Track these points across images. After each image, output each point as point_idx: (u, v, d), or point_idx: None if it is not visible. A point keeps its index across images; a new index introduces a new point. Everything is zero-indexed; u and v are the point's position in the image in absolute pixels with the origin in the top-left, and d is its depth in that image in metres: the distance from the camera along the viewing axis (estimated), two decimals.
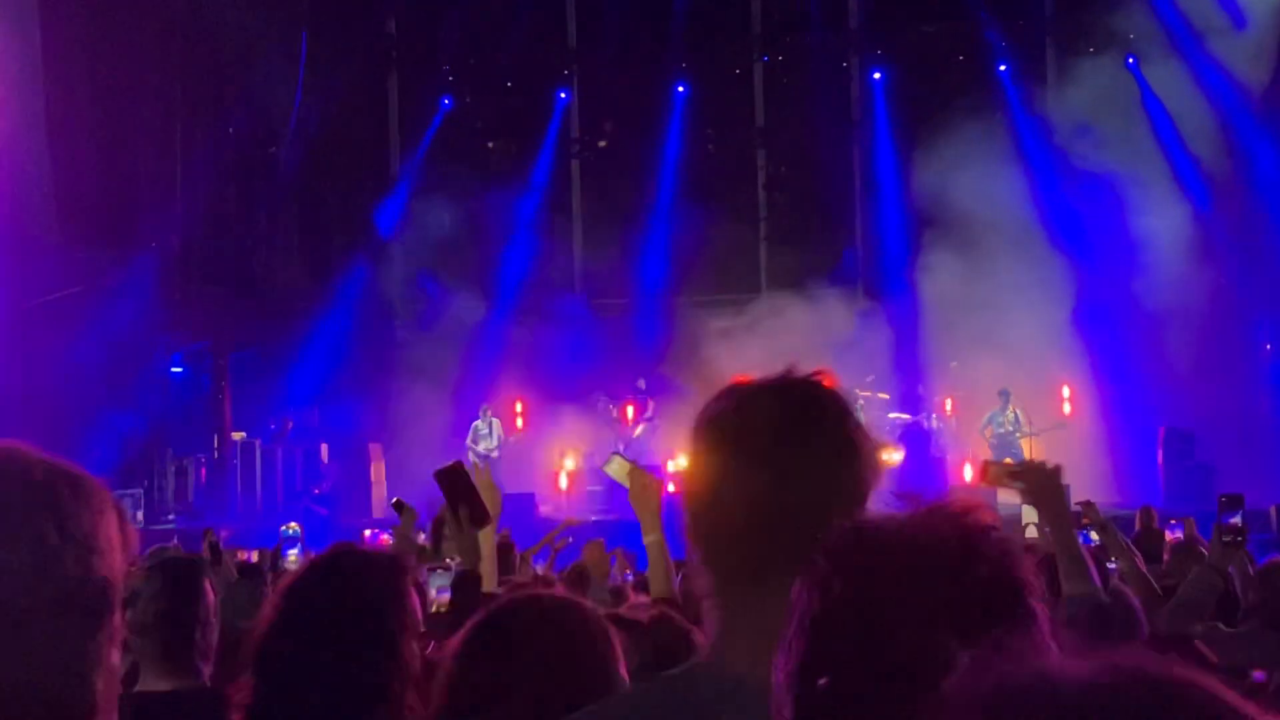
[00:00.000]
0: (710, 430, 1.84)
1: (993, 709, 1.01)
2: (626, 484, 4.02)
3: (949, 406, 20.75)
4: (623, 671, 2.17)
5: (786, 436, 1.76)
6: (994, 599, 1.28)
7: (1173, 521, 7.98)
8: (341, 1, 23.33)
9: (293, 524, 7.06)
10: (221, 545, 8.48)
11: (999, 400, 19.68)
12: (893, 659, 1.25)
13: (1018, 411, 19.64)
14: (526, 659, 2.12)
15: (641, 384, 21.24)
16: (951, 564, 1.29)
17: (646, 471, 4.18)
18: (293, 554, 6.66)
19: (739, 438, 1.79)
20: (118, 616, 1.40)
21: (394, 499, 5.49)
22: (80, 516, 1.40)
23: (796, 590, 1.34)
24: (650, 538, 3.96)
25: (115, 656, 1.41)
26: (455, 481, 3.83)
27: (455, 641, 2.21)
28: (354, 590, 2.56)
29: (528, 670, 2.11)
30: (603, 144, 24.23)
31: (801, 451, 1.75)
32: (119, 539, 1.44)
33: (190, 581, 3.66)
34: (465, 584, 3.61)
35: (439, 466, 3.92)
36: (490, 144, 24.04)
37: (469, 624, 2.23)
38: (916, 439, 20.32)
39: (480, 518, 3.79)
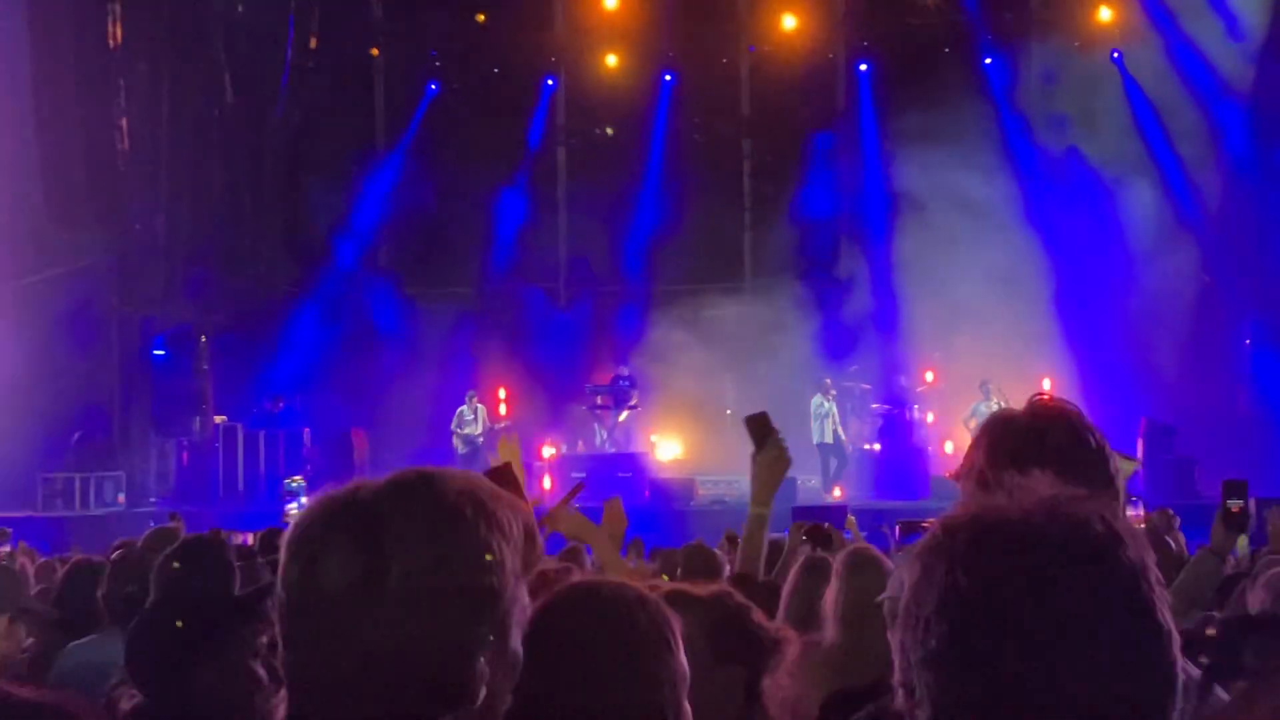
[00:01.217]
0: None
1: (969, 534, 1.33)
2: (760, 442, 3.98)
3: (930, 378, 20.82)
4: (682, 658, 2.12)
5: None
6: (1114, 587, 1.34)
7: (1133, 497, 7.81)
8: None
9: (298, 477, 7.06)
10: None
11: (980, 392, 19.76)
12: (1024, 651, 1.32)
13: (1000, 403, 19.70)
14: (589, 653, 2.08)
15: (624, 370, 21.27)
16: (1074, 555, 1.34)
17: (782, 441, 4.02)
18: (291, 508, 6.67)
19: None
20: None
21: None
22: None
23: (915, 570, 1.39)
24: (757, 509, 3.97)
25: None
26: (502, 483, 3.81)
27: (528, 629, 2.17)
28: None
29: (590, 666, 2.07)
30: (609, 131, 24.14)
31: None
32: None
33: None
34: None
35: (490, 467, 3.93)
36: (476, 130, 23.97)
37: (537, 608, 2.19)
38: (898, 429, 20.39)
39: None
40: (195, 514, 15.04)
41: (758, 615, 2.51)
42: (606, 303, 23.25)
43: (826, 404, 19.99)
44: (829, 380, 20.06)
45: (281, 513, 7.07)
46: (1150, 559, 1.37)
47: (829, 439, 19.87)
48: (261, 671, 2.90)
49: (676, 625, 2.14)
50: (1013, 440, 2.31)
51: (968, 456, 2.38)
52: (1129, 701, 1.31)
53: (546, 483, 19.26)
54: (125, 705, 2.83)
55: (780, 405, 19.61)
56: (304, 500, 6.62)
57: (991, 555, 1.35)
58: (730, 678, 2.42)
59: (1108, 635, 1.32)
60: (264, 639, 2.92)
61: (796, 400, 20.39)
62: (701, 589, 2.46)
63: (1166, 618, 1.36)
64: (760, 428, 3.97)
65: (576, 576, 2.38)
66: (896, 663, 1.41)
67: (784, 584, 6.02)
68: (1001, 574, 1.34)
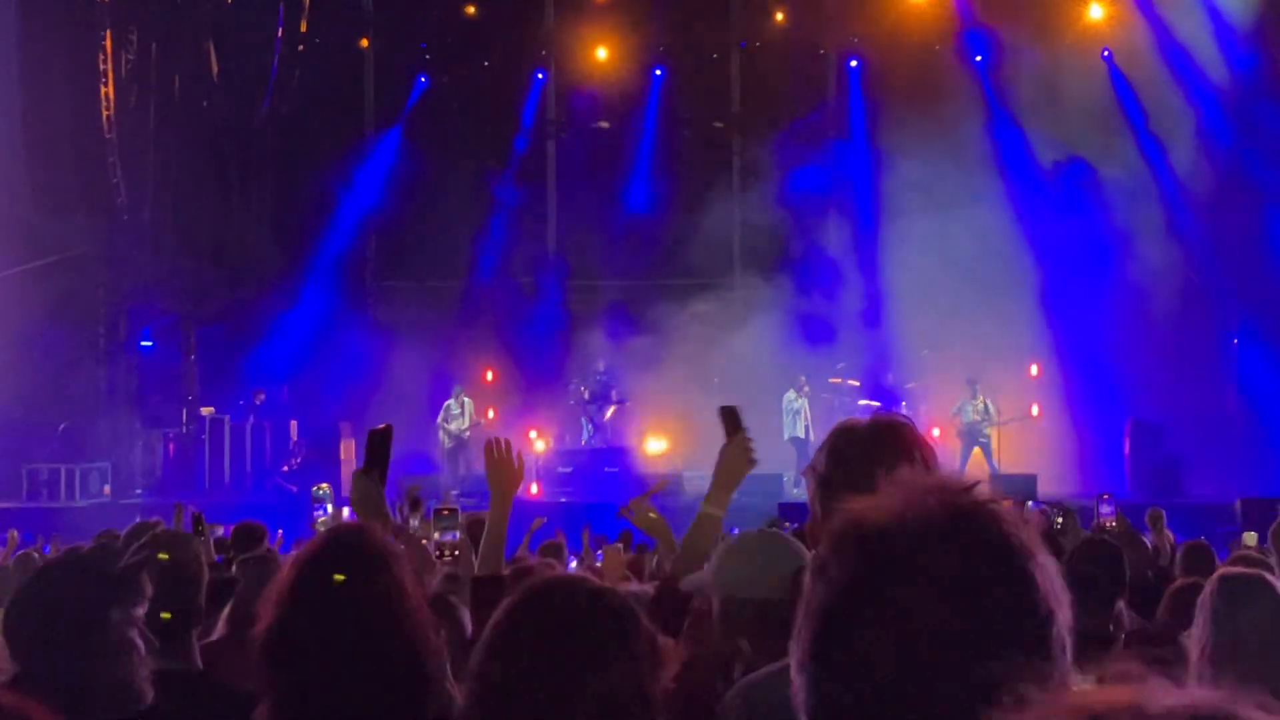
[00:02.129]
0: None
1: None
2: (730, 433, 3.87)
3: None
4: (643, 651, 2.16)
5: None
6: (985, 565, 1.30)
7: (1106, 496, 7.82)
8: None
9: (324, 485, 7.02)
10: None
11: (967, 389, 19.80)
12: (899, 642, 1.28)
13: (987, 402, 19.76)
14: (552, 644, 2.11)
15: (600, 366, 21.29)
16: (943, 539, 1.31)
17: (749, 440, 3.92)
18: (320, 517, 6.64)
19: None
20: None
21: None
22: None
23: (806, 580, 1.37)
24: (711, 508, 3.81)
25: None
26: (383, 442, 3.78)
27: (492, 623, 2.19)
28: (367, 571, 2.51)
29: (553, 657, 2.10)
30: (604, 124, 24.08)
31: None
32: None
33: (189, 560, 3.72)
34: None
35: (373, 427, 3.87)
36: (465, 123, 23.93)
37: (504, 607, 2.22)
38: None
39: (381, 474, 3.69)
40: (176, 504, 15.00)
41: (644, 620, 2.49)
42: (594, 297, 23.23)
43: (799, 400, 20.07)
44: (804, 378, 20.15)
45: (310, 520, 7.03)
46: (1032, 536, 1.34)
47: (800, 434, 19.96)
48: (139, 641, 2.97)
49: (640, 620, 2.18)
50: (851, 446, 2.55)
51: (815, 457, 2.62)
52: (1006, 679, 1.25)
53: (534, 489, 19.26)
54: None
55: (768, 401, 19.77)
56: (330, 509, 6.60)
57: (849, 549, 1.33)
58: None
59: (981, 616, 1.28)
60: (141, 610, 3.00)
61: (781, 396, 20.42)
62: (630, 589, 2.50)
63: (1046, 599, 1.31)
64: (733, 420, 3.89)
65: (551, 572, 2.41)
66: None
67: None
68: (863, 565, 1.31)
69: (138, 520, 7.07)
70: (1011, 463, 19.38)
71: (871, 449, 2.49)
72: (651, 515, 4.03)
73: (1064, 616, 1.33)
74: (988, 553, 1.32)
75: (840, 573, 1.32)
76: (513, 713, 2.09)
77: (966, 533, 1.32)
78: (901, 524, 1.32)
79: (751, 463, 3.84)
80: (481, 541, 3.92)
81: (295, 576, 2.52)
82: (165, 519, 7.44)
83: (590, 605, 2.16)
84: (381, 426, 3.79)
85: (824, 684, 1.31)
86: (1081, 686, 1.18)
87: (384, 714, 2.44)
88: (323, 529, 6.74)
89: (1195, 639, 3.71)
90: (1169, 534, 9.94)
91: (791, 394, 20.10)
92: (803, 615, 1.34)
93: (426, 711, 2.44)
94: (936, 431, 20.49)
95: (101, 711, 2.90)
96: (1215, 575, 3.80)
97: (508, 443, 4.04)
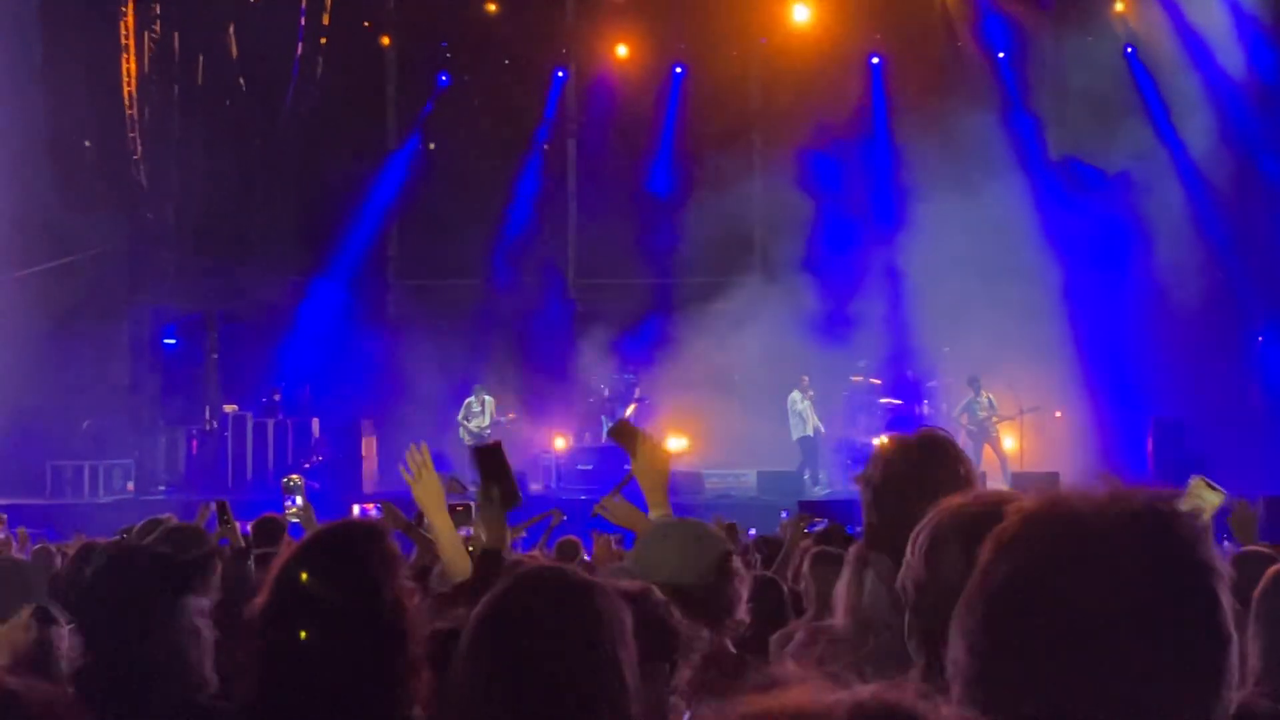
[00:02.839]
0: None
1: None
2: (631, 449, 3.94)
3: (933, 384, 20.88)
4: (632, 646, 2.18)
5: None
6: (1176, 578, 1.30)
7: None
8: None
9: (294, 476, 7.06)
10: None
11: (969, 388, 19.78)
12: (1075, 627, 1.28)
13: (990, 397, 19.75)
14: (547, 634, 2.13)
15: (628, 372, 21.32)
16: (1135, 544, 1.30)
17: (654, 438, 4.09)
18: (290, 507, 6.71)
19: None
20: None
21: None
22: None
23: (984, 556, 1.36)
24: (658, 513, 3.87)
25: None
26: (492, 460, 3.90)
27: (475, 616, 2.21)
28: (347, 567, 2.57)
29: (545, 648, 2.12)
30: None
31: None
32: None
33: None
34: (488, 562, 3.61)
35: (480, 445, 4.01)
36: (486, 121, 23.96)
37: (489, 597, 2.23)
38: (907, 424, 20.37)
39: (511, 497, 3.82)
40: (202, 502, 15.06)
41: (676, 613, 2.58)
42: (615, 295, 23.22)
43: (803, 401, 20.09)
44: (807, 379, 20.16)
45: (281, 509, 7.09)
46: (1218, 558, 1.33)
47: (810, 433, 20.00)
48: (206, 632, 3.07)
49: (627, 615, 2.20)
50: (903, 459, 2.80)
51: (868, 469, 2.86)
52: (1173, 703, 1.26)
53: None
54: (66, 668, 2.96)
55: (786, 399, 19.76)
56: (300, 500, 6.68)
57: (1041, 539, 1.32)
58: (654, 671, 2.47)
59: (1164, 633, 1.27)
60: (208, 601, 3.11)
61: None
62: (631, 585, 2.52)
63: (1228, 622, 1.31)
64: (626, 437, 3.96)
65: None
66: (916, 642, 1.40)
67: (786, 577, 6.04)
68: (1047, 558, 1.30)
69: (149, 517, 7.12)
70: (1034, 460, 19.32)
71: (921, 462, 2.78)
72: (624, 509, 4.08)
73: (1236, 645, 1.32)
74: (1182, 562, 1.31)
75: (1029, 553, 1.32)
76: (492, 704, 2.11)
77: (1164, 535, 1.31)
78: (1103, 514, 1.32)
79: (666, 455, 3.98)
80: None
81: (275, 576, 2.59)
82: (190, 517, 7.49)
83: (567, 597, 2.18)
84: (491, 443, 3.94)
85: (994, 657, 1.31)
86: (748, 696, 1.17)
87: (362, 710, 2.49)
88: (292, 519, 6.81)
89: (1251, 639, 3.57)
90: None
91: (796, 395, 20.11)
92: (978, 589, 1.34)
93: (407, 707, 2.47)
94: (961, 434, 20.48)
95: (168, 697, 2.97)
96: (1272, 573, 3.64)
97: (424, 448, 4.15)
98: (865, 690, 1.05)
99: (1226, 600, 1.31)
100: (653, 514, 3.89)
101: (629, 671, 2.15)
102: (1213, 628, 1.30)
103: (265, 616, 2.54)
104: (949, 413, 20.55)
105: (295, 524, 6.80)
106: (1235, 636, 1.31)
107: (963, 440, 19.43)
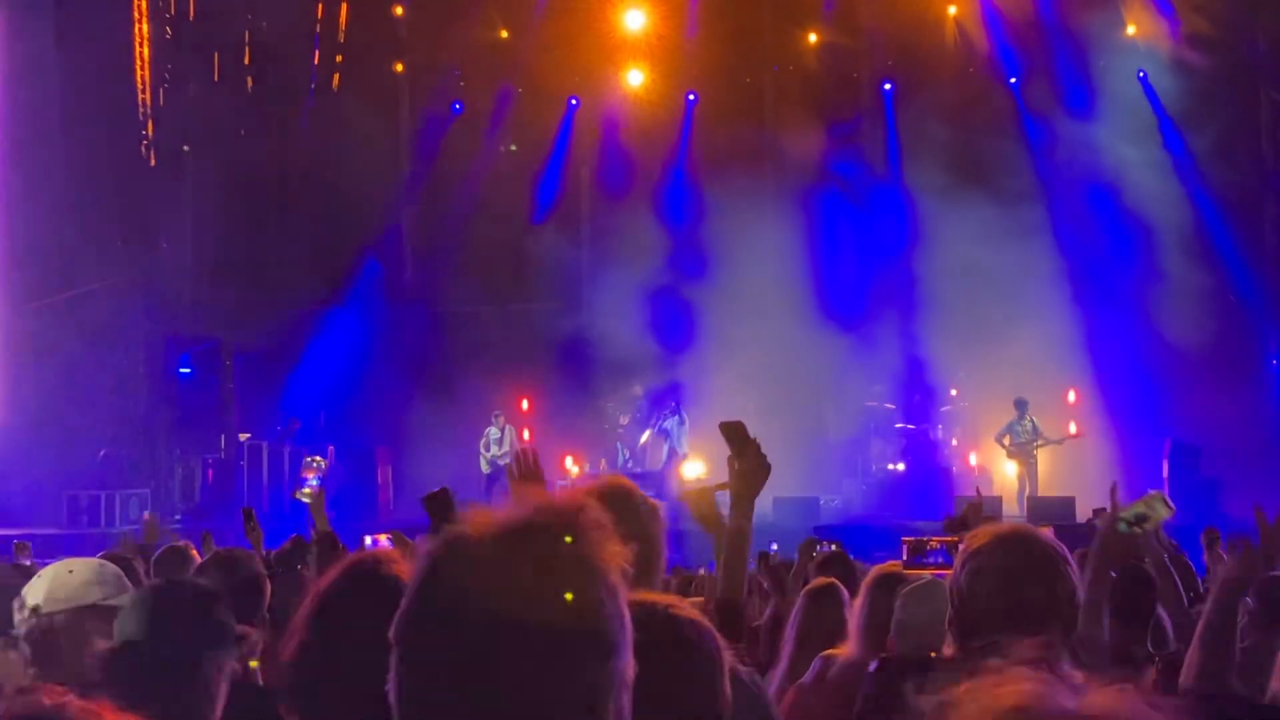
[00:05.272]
0: None
1: None
2: (739, 450, 3.73)
3: (954, 393, 20.83)
4: (727, 680, 2.23)
5: None
6: None
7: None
8: (355, 2, 23.40)
9: (318, 457, 7.04)
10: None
11: (1015, 410, 19.67)
12: None
13: (1034, 420, 19.64)
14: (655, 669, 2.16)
15: (637, 390, 21.29)
16: None
17: (758, 446, 3.79)
18: (306, 490, 6.68)
19: None
20: None
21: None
22: None
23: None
24: (739, 524, 3.69)
25: None
26: (443, 505, 3.86)
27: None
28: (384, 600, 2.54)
29: (656, 682, 2.16)
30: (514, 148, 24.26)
31: None
32: None
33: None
34: (729, 616, 3.53)
35: (426, 493, 3.94)
36: (500, 149, 24.04)
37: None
38: (922, 449, 20.34)
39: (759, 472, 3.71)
40: (219, 530, 15.07)
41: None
42: (629, 321, 23.21)
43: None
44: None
45: (296, 488, 7.07)
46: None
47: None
48: (222, 693, 3.01)
49: (725, 652, 2.21)
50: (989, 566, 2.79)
51: (953, 578, 2.84)
52: None
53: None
54: None
55: (805, 424, 19.73)
56: (314, 483, 6.65)
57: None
58: None
59: None
60: (231, 660, 3.07)
61: (818, 419, 20.38)
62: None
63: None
64: (737, 435, 3.81)
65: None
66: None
67: (793, 604, 5.98)
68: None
69: (166, 545, 7.13)
70: (1050, 485, 19.24)
71: (1014, 569, 2.71)
72: (709, 506, 3.97)
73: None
74: None
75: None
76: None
77: None
78: None
79: (766, 471, 3.72)
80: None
81: (312, 606, 2.56)
82: (195, 544, 7.49)
83: (694, 632, 2.19)
84: (437, 491, 3.88)
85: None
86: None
87: None
88: (304, 499, 6.74)
89: None
90: (1219, 554, 9.75)
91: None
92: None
93: None
94: (974, 457, 20.41)
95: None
96: None
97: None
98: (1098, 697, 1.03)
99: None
100: (732, 523, 3.75)
101: (724, 704, 2.19)
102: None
103: (301, 648, 2.52)
104: (963, 438, 20.52)
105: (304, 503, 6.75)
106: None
107: (992, 464, 19.43)
